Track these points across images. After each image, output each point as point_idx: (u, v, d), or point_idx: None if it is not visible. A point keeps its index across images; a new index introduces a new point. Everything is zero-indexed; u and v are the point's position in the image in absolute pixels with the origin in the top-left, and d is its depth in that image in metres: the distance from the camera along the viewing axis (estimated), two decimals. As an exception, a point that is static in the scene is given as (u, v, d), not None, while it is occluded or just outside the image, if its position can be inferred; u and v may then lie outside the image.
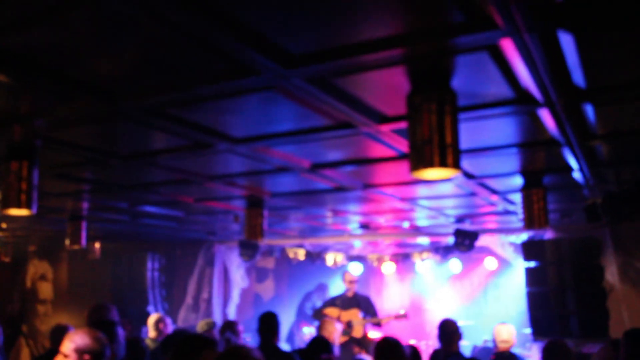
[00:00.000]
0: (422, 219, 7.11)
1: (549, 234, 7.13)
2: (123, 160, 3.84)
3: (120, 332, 3.69)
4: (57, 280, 10.58)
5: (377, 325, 8.22)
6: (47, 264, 10.65)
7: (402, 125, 2.86)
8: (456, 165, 2.27)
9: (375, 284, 11.79)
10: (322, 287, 11.15)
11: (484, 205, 5.95)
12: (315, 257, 9.58)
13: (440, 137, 2.23)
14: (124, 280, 9.68)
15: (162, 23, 1.86)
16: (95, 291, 9.41)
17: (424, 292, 11.32)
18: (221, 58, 2.13)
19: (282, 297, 11.91)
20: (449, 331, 5.02)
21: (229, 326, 5.82)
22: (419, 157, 2.26)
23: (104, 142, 3.53)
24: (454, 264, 9.87)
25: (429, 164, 2.24)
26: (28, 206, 3.26)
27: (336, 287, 10.23)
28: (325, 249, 9.70)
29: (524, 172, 4.24)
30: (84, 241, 6.52)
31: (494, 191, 5.02)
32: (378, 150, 3.55)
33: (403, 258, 9.49)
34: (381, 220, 7.23)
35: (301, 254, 9.48)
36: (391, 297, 11.59)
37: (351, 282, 8.33)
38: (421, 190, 5.11)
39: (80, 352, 2.90)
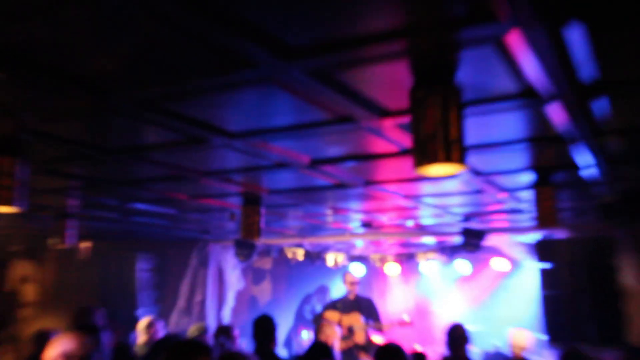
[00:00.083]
0: (427, 217, 7.12)
1: (562, 234, 7.10)
2: (114, 155, 3.87)
3: (105, 338, 3.69)
4: (43, 282, 10.59)
5: (380, 330, 8.23)
6: (31, 264, 10.65)
7: (405, 119, 2.90)
8: (461, 161, 2.29)
9: (378, 285, 11.82)
10: (322, 290, 11.09)
11: (492, 203, 5.97)
12: (315, 257, 9.58)
13: (445, 132, 2.25)
14: (113, 282, 9.67)
15: (156, 14, 1.88)
16: (82, 293, 9.40)
17: (429, 295, 11.33)
18: (217, 49, 2.16)
19: (280, 300, 11.91)
20: (457, 336, 5.02)
21: (224, 331, 5.77)
22: (423, 153, 2.28)
23: (94, 136, 3.55)
24: (462, 265, 9.87)
25: (434, 159, 2.26)
26: (14, 203, 3.27)
27: (337, 289, 10.23)
28: (326, 248, 9.71)
29: (537, 169, 4.27)
30: (71, 240, 6.55)
31: (502, 189, 5.05)
32: (380, 145, 3.58)
33: (407, 258, 9.53)
34: (384, 218, 7.24)
35: (300, 254, 9.48)
36: (395, 299, 11.63)
37: (352, 283, 8.32)
38: (426, 188, 5.13)
39: (67, 357, 2.94)
